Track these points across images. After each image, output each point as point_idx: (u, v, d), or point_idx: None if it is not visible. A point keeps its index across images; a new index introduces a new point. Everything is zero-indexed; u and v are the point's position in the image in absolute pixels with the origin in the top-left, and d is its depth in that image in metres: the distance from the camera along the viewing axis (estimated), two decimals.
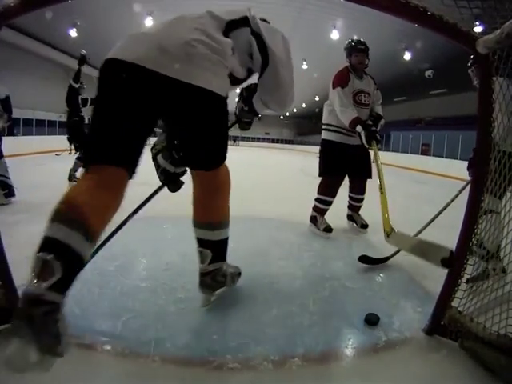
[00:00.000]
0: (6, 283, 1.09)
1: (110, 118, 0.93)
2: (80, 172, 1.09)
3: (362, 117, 2.28)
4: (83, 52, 4.16)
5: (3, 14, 1.03)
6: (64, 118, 4.90)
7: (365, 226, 2.49)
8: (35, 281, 0.72)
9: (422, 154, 13.04)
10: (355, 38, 2.57)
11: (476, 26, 1.03)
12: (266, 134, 36.30)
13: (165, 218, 2.53)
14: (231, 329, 1.16)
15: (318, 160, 2.49)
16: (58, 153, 8.61)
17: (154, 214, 2.68)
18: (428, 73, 11.80)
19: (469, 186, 1.14)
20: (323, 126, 2.48)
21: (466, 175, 1.74)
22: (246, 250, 1.94)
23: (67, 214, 0.82)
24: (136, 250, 1.81)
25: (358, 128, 2.24)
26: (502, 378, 0.93)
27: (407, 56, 11.15)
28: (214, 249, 1.25)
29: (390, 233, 1.73)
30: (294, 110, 29.38)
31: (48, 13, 8.63)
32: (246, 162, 10.96)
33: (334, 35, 10.23)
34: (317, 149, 2.81)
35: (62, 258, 0.75)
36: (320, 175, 2.45)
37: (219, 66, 1.00)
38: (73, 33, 10.49)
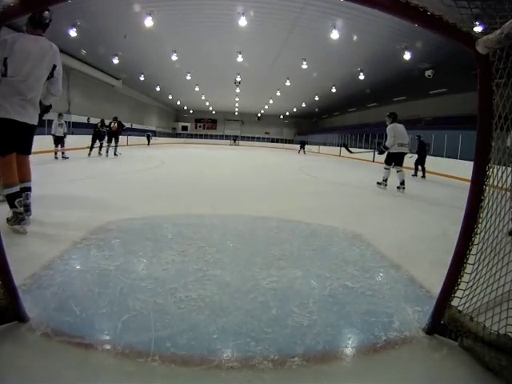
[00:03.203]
0: (6, 283, 1.09)
1: None
2: None
3: None
4: None
5: (3, 14, 1.03)
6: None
7: None
8: None
9: None
10: None
11: (476, 25, 1.03)
12: (266, 133, 36.30)
13: (165, 218, 2.54)
14: (231, 329, 1.16)
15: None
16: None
17: (154, 214, 2.69)
18: (428, 73, 11.79)
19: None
20: None
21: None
22: (246, 250, 1.94)
23: None
24: (136, 250, 1.81)
25: None
26: (502, 378, 0.93)
27: (407, 56, 11.14)
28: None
29: None
30: (294, 110, 29.29)
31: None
32: (246, 161, 10.97)
33: (334, 35, 10.23)
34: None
35: None
36: None
37: None
38: (73, 33, 10.47)
